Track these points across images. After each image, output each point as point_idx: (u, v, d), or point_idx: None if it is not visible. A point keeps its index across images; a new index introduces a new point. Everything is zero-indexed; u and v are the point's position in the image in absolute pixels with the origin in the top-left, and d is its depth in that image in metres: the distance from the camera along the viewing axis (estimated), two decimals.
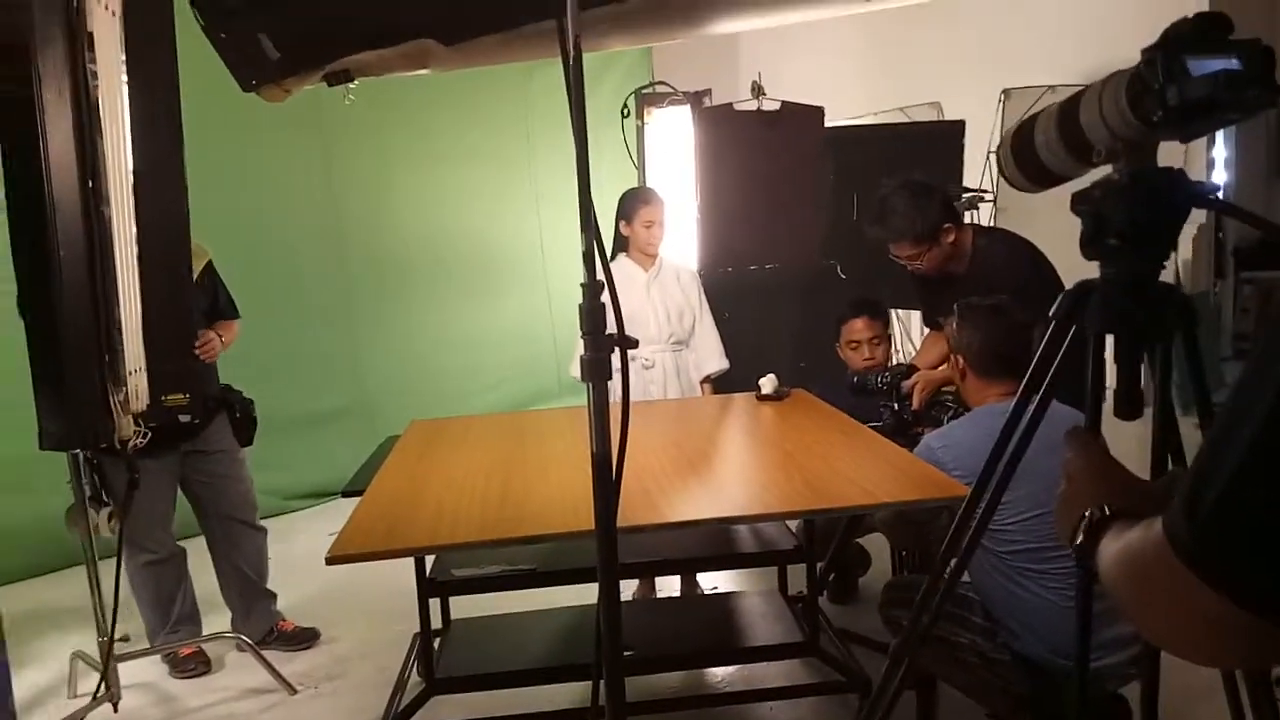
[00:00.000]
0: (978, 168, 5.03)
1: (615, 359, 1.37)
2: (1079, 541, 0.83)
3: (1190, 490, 0.57)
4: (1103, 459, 0.90)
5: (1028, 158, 1.27)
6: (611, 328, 1.37)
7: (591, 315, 1.39)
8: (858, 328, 3.18)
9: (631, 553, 2.51)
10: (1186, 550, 0.57)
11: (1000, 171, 1.37)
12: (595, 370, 1.39)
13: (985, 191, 5.05)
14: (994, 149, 5.47)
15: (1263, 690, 1.24)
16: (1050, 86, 5.16)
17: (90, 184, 2.45)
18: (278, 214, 4.83)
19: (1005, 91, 5.36)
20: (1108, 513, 0.81)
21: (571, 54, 1.29)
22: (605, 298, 1.35)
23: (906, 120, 5.86)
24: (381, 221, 5.29)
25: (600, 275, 1.36)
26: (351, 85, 1.78)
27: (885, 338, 3.23)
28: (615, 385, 1.37)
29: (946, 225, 2.64)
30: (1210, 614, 0.56)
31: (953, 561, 1.42)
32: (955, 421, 2.42)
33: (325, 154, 5.06)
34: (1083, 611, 1.24)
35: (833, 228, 4.42)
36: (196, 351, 2.89)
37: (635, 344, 1.48)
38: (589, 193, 1.36)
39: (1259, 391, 0.55)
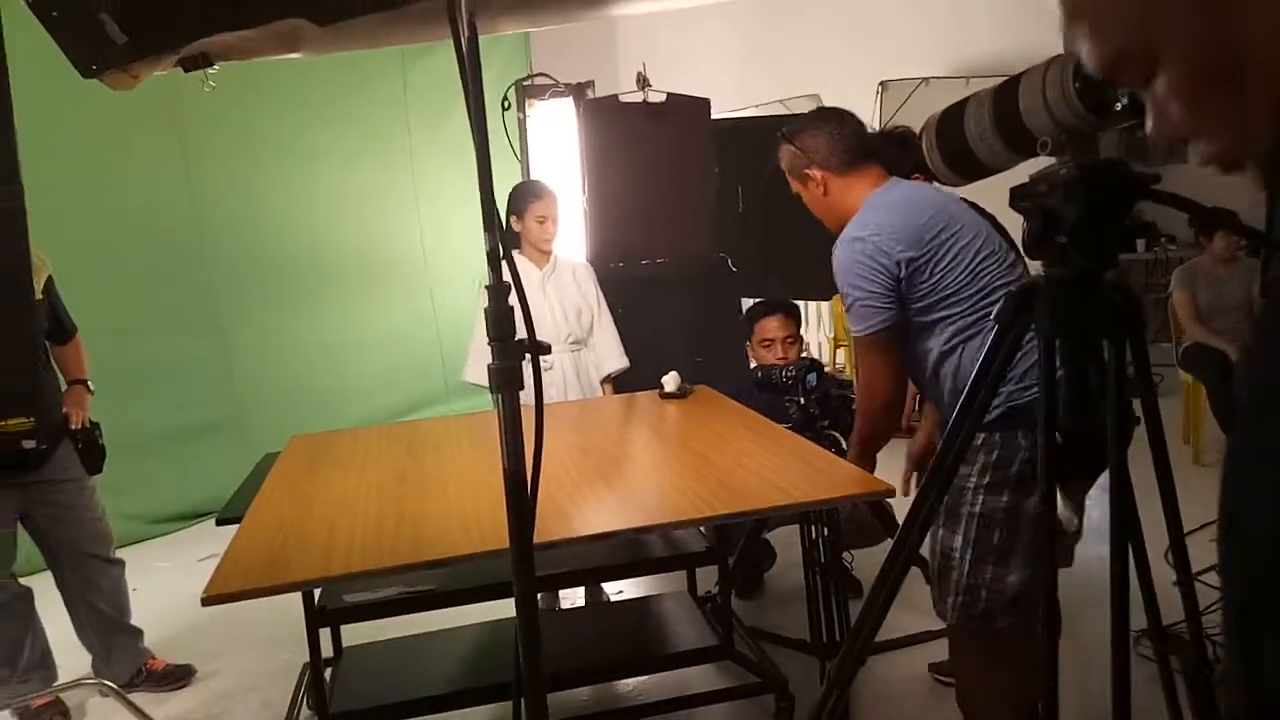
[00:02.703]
0: None
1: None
2: None
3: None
4: None
5: (955, 150, 1.21)
6: (521, 332, 1.27)
7: (499, 320, 1.27)
8: (771, 326, 3.16)
9: (538, 565, 2.38)
10: None
11: (926, 163, 1.32)
12: (505, 379, 1.27)
13: None
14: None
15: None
16: (925, 79, 5.29)
17: None
18: (130, 216, 4.42)
19: (883, 83, 5.46)
20: None
21: (465, 34, 1.18)
22: (514, 300, 1.24)
23: (787, 113, 5.91)
24: (250, 223, 4.91)
25: (507, 276, 1.25)
26: (211, 70, 1.57)
27: (798, 338, 3.22)
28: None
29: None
30: None
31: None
32: (863, 216, 2.02)
33: (183, 151, 4.67)
34: None
35: (720, 221, 4.39)
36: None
37: (547, 349, 1.37)
38: (491, 189, 1.25)
39: None
